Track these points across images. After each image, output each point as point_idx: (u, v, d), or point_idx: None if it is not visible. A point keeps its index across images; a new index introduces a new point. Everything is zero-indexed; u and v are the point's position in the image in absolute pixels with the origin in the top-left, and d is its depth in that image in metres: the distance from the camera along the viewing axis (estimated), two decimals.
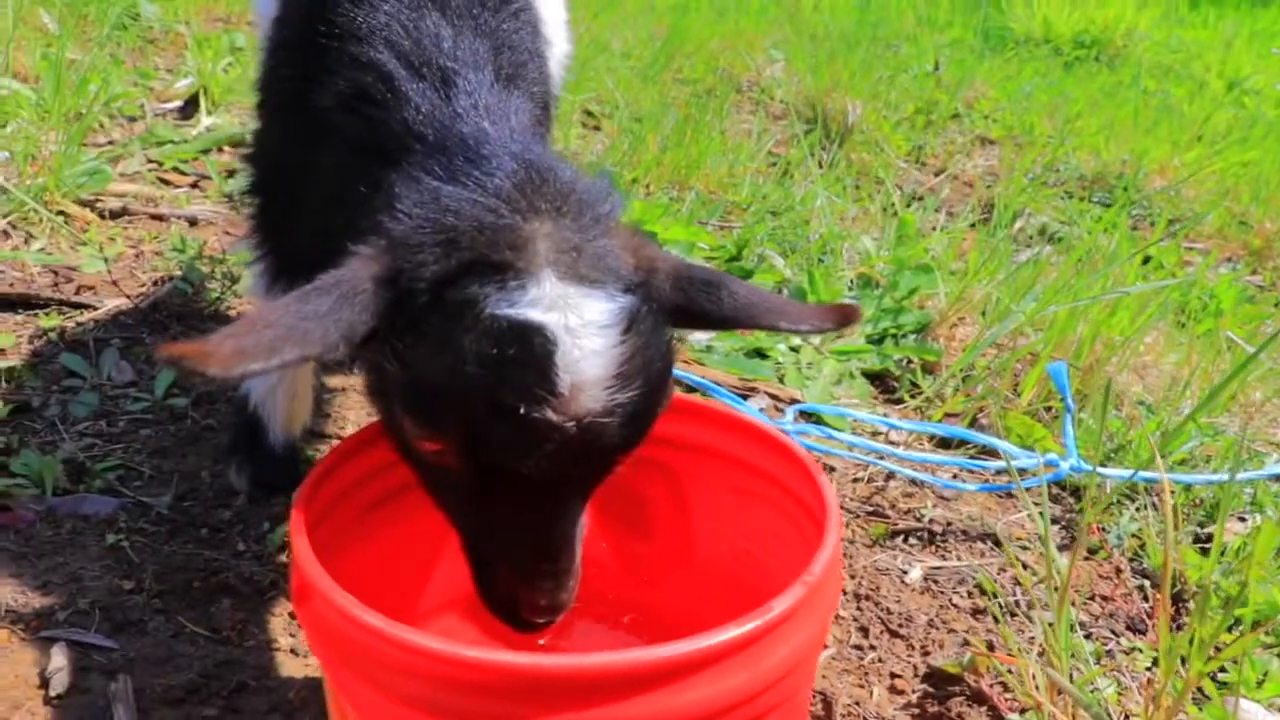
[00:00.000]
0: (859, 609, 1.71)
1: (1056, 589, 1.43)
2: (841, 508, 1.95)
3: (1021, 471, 2.00)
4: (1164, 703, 1.26)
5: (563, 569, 1.09)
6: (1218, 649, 1.51)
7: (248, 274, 1.86)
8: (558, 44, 1.75)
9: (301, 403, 1.85)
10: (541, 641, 1.15)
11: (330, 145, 1.34)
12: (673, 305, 1.14)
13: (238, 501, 1.84)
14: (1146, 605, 1.86)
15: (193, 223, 2.88)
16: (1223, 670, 1.67)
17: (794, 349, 2.41)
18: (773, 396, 2.25)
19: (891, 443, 2.14)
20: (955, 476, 2.10)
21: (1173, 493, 2.15)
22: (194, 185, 3.15)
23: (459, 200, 1.08)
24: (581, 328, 1.01)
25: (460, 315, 1.01)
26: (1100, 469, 1.96)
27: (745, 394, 2.24)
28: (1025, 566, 1.89)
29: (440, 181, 1.11)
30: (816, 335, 1.43)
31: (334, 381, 2.20)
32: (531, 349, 0.98)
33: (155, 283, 2.52)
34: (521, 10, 1.44)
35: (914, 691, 1.58)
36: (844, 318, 1.20)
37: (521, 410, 0.97)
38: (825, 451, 2.05)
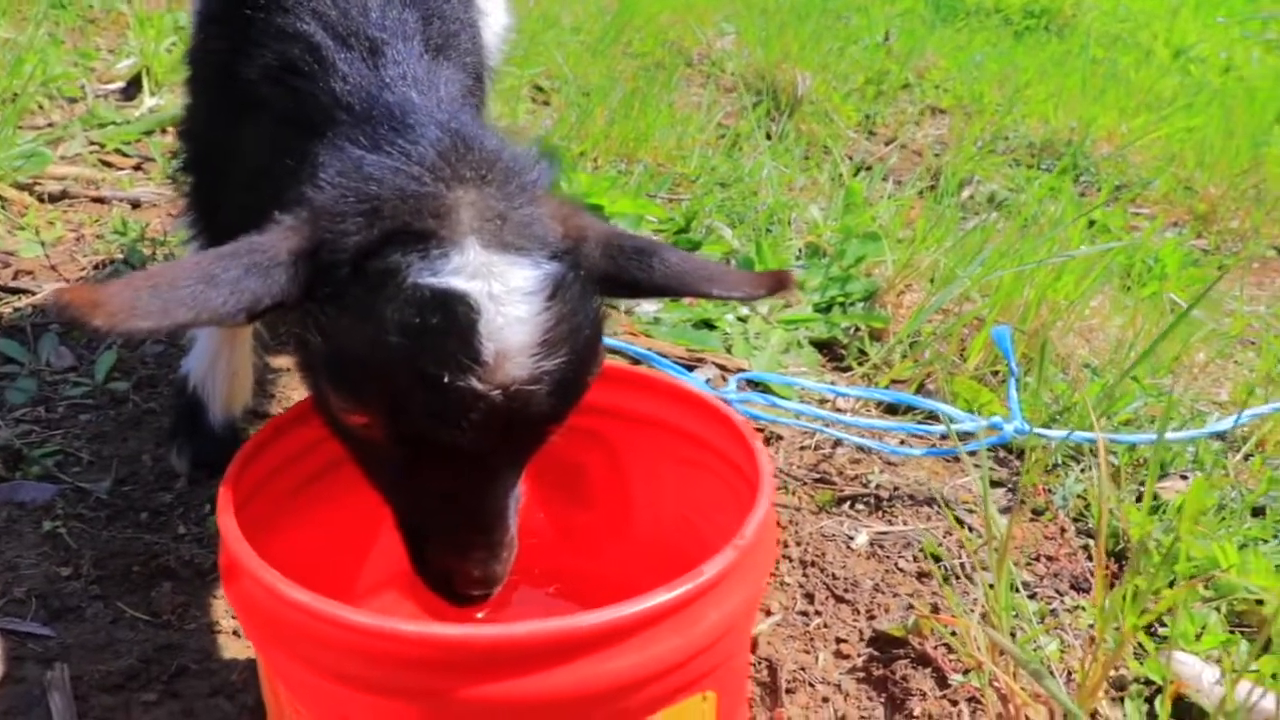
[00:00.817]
0: (805, 575, 1.72)
1: (997, 550, 1.44)
2: (788, 475, 1.96)
3: (968, 435, 2.02)
4: (1100, 657, 1.27)
5: (496, 541, 1.08)
6: (1152, 603, 1.52)
7: (185, 253, 1.83)
8: (494, 15, 1.73)
9: (242, 382, 1.83)
10: (480, 615, 1.14)
11: (258, 119, 1.32)
12: (603, 273, 1.13)
13: (179, 484, 1.82)
14: (1090, 564, 1.88)
15: (135, 205, 2.84)
16: (1163, 625, 1.70)
17: (741, 319, 2.41)
18: (720, 367, 2.25)
19: (839, 410, 2.14)
20: (902, 443, 2.11)
21: (1114, 452, 2.17)
22: (137, 167, 3.10)
23: (382, 169, 1.06)
24: (505, 295, 0.99)
25: (382, 285, 1.00)
26: (1040, 430, 1.97)
27: (692, 365, 2.23)
28: (971, 530, 1.90)
29: (364, 151, 1.10)
30: (751, 302, 1.43)
31: (278, 361, 2.18)
32: (454, 317, 0.97)
33: (96, 266, 2.48)
34: None
35: (859, 655, 1.59)
36: (778, 283, 1.19)
37: (445, 379, 0.96)
38: (770, 420, 2.05)
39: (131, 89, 3.58)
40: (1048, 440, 2.02)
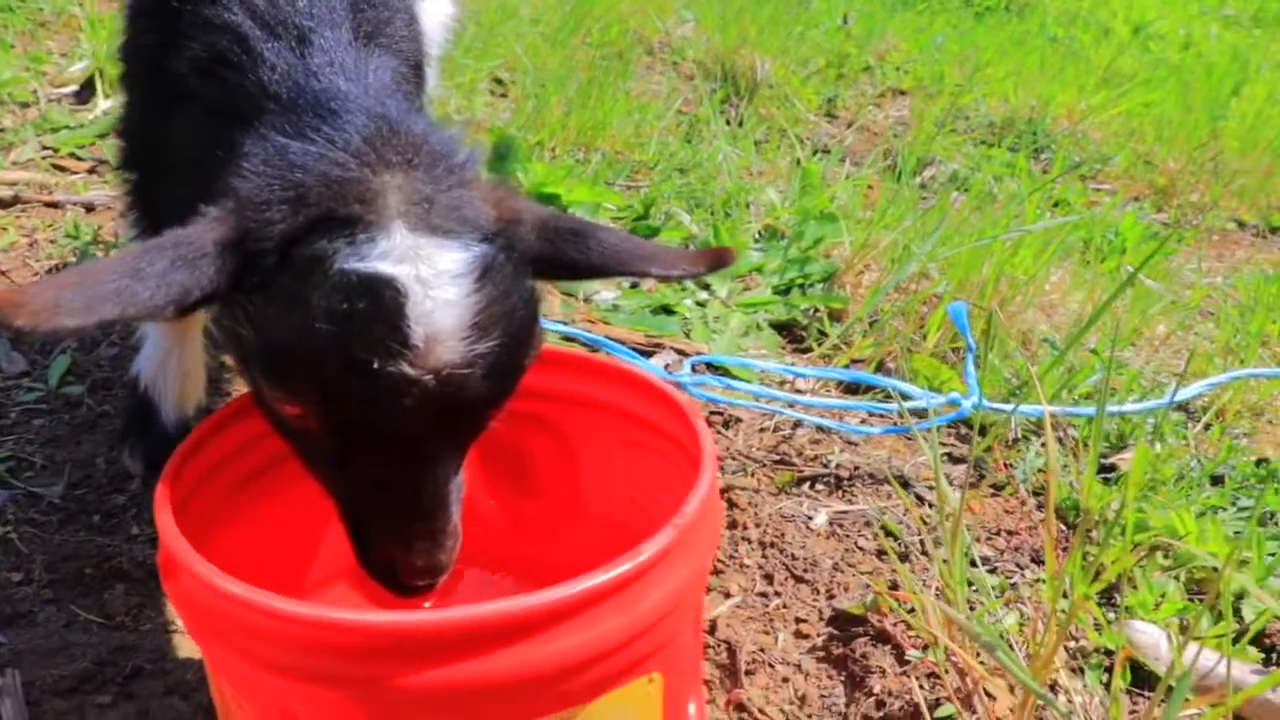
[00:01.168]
0: (764, 557, 1.72)
1: (949, 525, 1.44)
2: (747, 457, 1.96)
3: (924, 413, 2.02)
4: (1052, 626, 1.28)
5: (438, 529, 1.07)
6: (1099, 572, 1.53)
7: None
8: (436, 2, 1.72)
9: (193, 381, 1.81)
10: (427, 604, 1.13)
11: (189, 111, 1.30)
12: (539, 255, 1.12)
13: (133, 486, 1.81)
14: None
15: (89, 209, 2.81)
16: (1119, 594, 1.71)
17: (700, 304, 2.41)
18: (679, 351, 2.25)
19: (798, 391, 2.14)
20: (863, 421, 2.11)
21: (1074, 425, 2.18)
22: (91, 171, 3.07)
23: (307, 156, 1.05)
24: (434, 278, 0.98)
25: (309, 272, 0.99)
26: (992, 404, 1.98)
27: (651, 350, 2.23)
28: (931, 506, 1.90)
29: (289, 139, 1.09)
30: (691, 278, 1.42)
31: (231, 359, 2.16)
32: (382, 302, 0.96)
33: (49, 270, 2.46)
34: None
35: (819, 635, 1.59)
36: (717, 260, 1.19)
37: (375, 365, 0.95)
38: (725, 402, 2.05)
39: (85, 92, 3.54)
40: (1002, 414, 2.03)
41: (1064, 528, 1.91)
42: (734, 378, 2.08)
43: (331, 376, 0.98)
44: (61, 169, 3.02)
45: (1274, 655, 1.69)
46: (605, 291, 2.45)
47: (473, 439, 1.10)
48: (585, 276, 1.17)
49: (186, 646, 1.50)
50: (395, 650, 0.86)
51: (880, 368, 2.28)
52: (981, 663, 1.42)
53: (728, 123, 3.70)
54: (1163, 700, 1.17)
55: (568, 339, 2.10)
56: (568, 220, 1.17)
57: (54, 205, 2.80)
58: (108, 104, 3.43)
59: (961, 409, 1.98)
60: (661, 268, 1.17)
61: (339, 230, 1.00)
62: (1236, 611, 1.72)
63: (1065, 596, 1.31)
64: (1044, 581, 1.75)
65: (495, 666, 0.86)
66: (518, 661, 0.87)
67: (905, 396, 2.04)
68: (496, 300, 1.02)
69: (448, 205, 1.06)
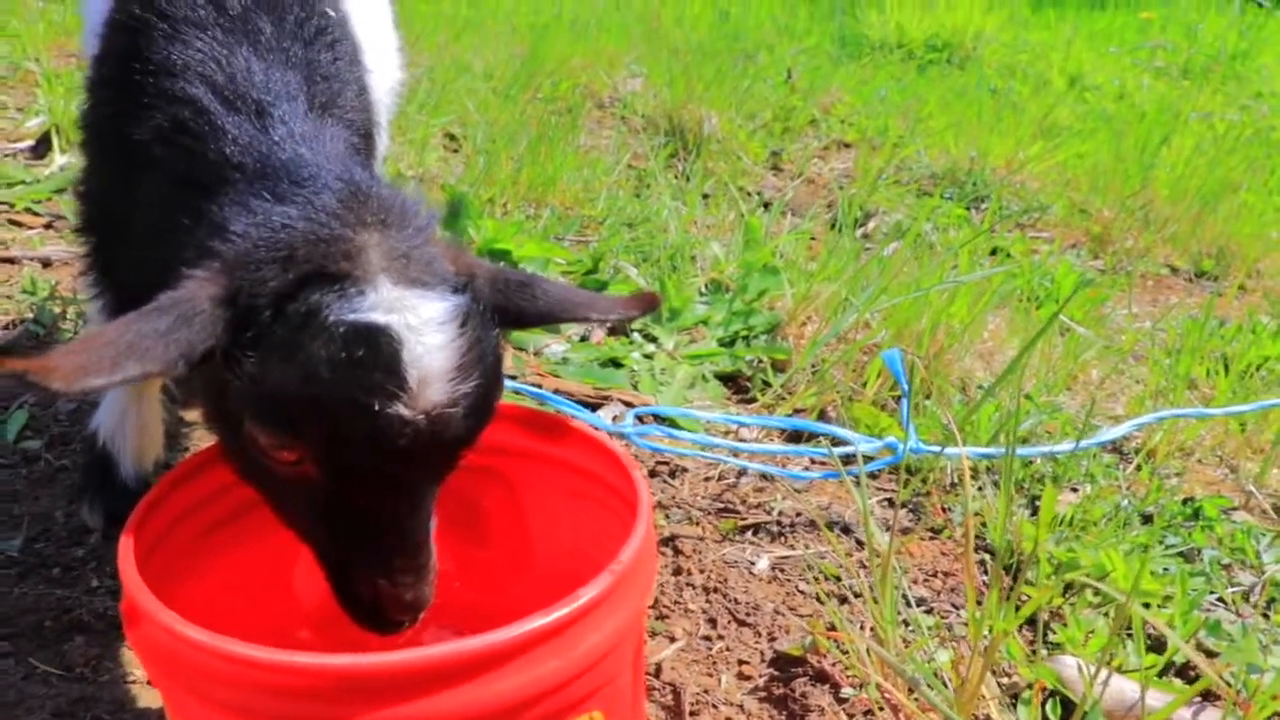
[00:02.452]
0: (708, 601, 1.78)
1: (880, 567, 1.51)
2: (692, 506, 2.02)
3: (868, 458, 2.09)
4: (975, 659, 1.35)
5: (422, 564, 1.15)
6: (1018, 609, 1.60)
7: (88, 310, 1.86)
8: (384, 71, 1.79)
9: (151, 436, 1.85)
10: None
11: (151, 179, 1.37)
12: (494, 306, 1.21)
13: (92, 539, 1.84)
14: (985, 578, 1.96)
15: (46, 264, 2.84)
16: (1052, 631, 1.78)
17: (647, 356, 2.48)
18: (626, 403, 2.31)
19: (741, 440, 2.21)
20: (807, 468, 2.18)
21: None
22: (48, 226, 3.10)
23: (291, 218, 1.14)
24: (421, 326, 1.07)
25: (306, 325, 1.06)
26: (924, 448, 2.05)
27: (599, 402, 2.29)
28: (875, 552, 1.97)
29: (269, 203, 1.17)
30: (625, 322, 1.53)
31: (192, 415, 2.20)
32: (379, 349, 1.05)
33: (5, 326, 2.49)
34: (337, 42, 1.48)
35: (761, 676, 1.65)
36: (647, 304, 1.32)
37: (376, 407, 1.03)
38: (670, 452, 2.11)
39: (41, 147, 3.58)
40: (934, 458, 2.10)
41: (994, 562, 1.99)
42: (679, 428, 2.14)
43: (332, 419, 1.05)
44: (18, 224, 3.05)
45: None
46: (554, 345, 2.51)
47: (447, 476, 1.18)
48: (533, 324, 1.26)
49: (146, 696, 1.53)
50: (351, 691, 0.91)
51: (822, 416, 2.36)
52: (914, 699, 1.49)
53: (675, 177, 3.79)
54: None
55: (515, 393, 2.16)
56: (514, 273, 1.26)
57: (10, 261, 2.84)
58: (64, 159, 3.47)
59: (898, 453, 2.06)
60: (599, 313, 1.29)
61: (329, 285, 1.09)
62: (1163, 646, 1.79)
63: (991, 632, 1.38)
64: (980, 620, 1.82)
65: (442, 705, 0.92)
66: (464, 701, 0.92)
67: (843, 442, 2.11)
68: (474, 345, 1.11)
69: (422, 260, 1.14)
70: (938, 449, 1.97)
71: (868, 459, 2.06)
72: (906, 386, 2.06)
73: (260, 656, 0.92)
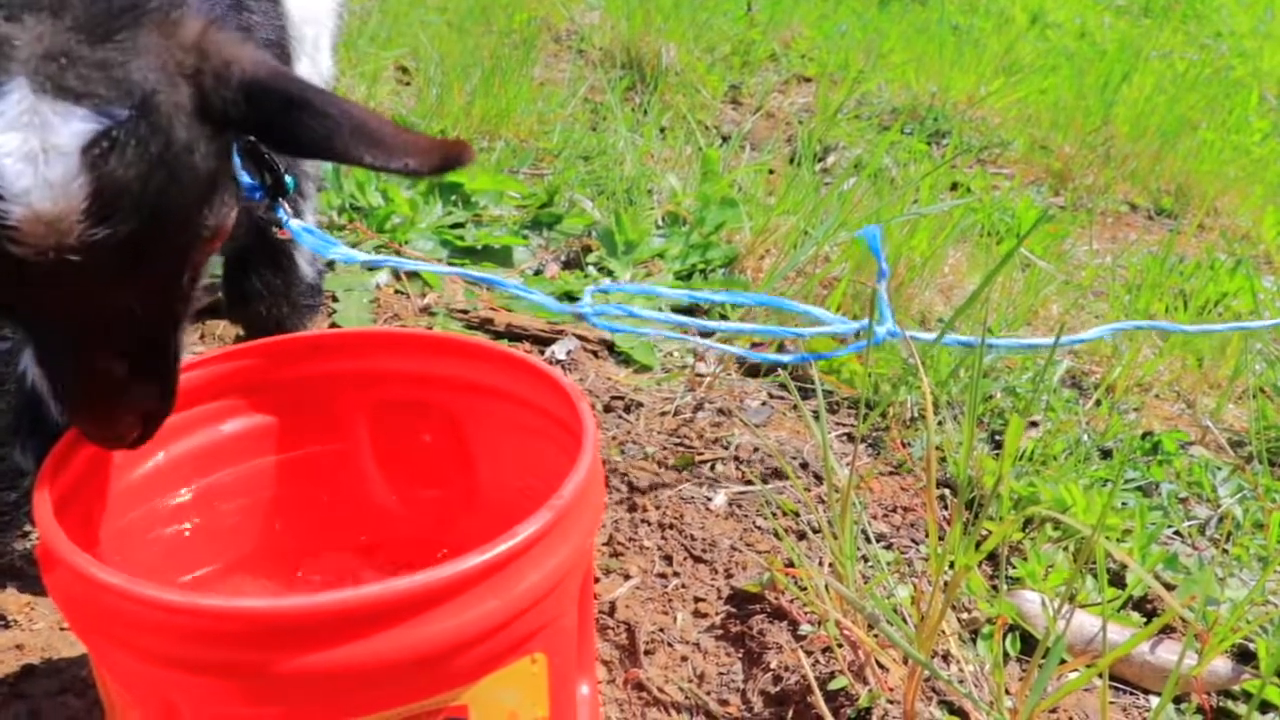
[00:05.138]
0: (663, 538, 1.73)
1: (839, 502, 1.47)
2: (648, 441, 1.98)
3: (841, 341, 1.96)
4: (936, 595, 1.31)
5: (103, 409, 1.04)
6: (978, 545, 1.57)
7: None
8: None
9: None
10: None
11: None
12: (243, 120, 1.04)
13: (25, 482, 1.77)
14: (945, 513, 1.94)
15: None
16: (1011, 566, 1.76)
17: (603, 291, 2.41)
18: (581, 338, 2.26)
19: (699, 376, 2.16)
20: (764, 404, 2.14)
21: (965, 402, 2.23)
22: None
23: None
24: (44, 152, 0.89)
25: None
26: (909, 333, 1.93)
27: (553, 337, 2.24)
28: (835, 487, 1.94)
29: None
30: (416, 177, 1.25)
31: None
32: None
33: None
34: None
35: (717, 614, 1.61)
36: (450, 154, 1.07)
37: None
38: (631, 331, 1.98)
39: None
40: (895, 390, 2.06)
41: (954, 497, 1.96)
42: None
43: None
44: None
45: (1155, 620, 1.75)
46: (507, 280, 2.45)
47: (132, 319, 1.02)
48: (306, 155, 1.09)
49: (81, 644, 1.48)
50: (273, 636, 0.86)
51: (780, 349, 2.32)
52: (873, 635, 1.45)
53: (632, 110, 3.71)
54: (1041, 661, 1.22)
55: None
56: (283, 84, 1.06)
57: None
58: None
59: (877, 335, 1.92)
60: (381, 157, 1.05)
61: None
62: (1123, 580, 1.78)
63: (952, 568, 1.35)
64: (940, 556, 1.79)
65: (374, 649, 0.86)
66: (396, 644, 0.87)
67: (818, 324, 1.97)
68: (127, 180, 0.93)
69: (95, 62, 0.94)
70: (915, 334, 1.86)
71: (842, 342, 1.97)
72: (886, 269, 1.94)
73: (180, 601, 0.86)
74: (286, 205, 1.47)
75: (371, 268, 2.42)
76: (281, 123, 1.04)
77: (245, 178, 1.45)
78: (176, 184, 0.97)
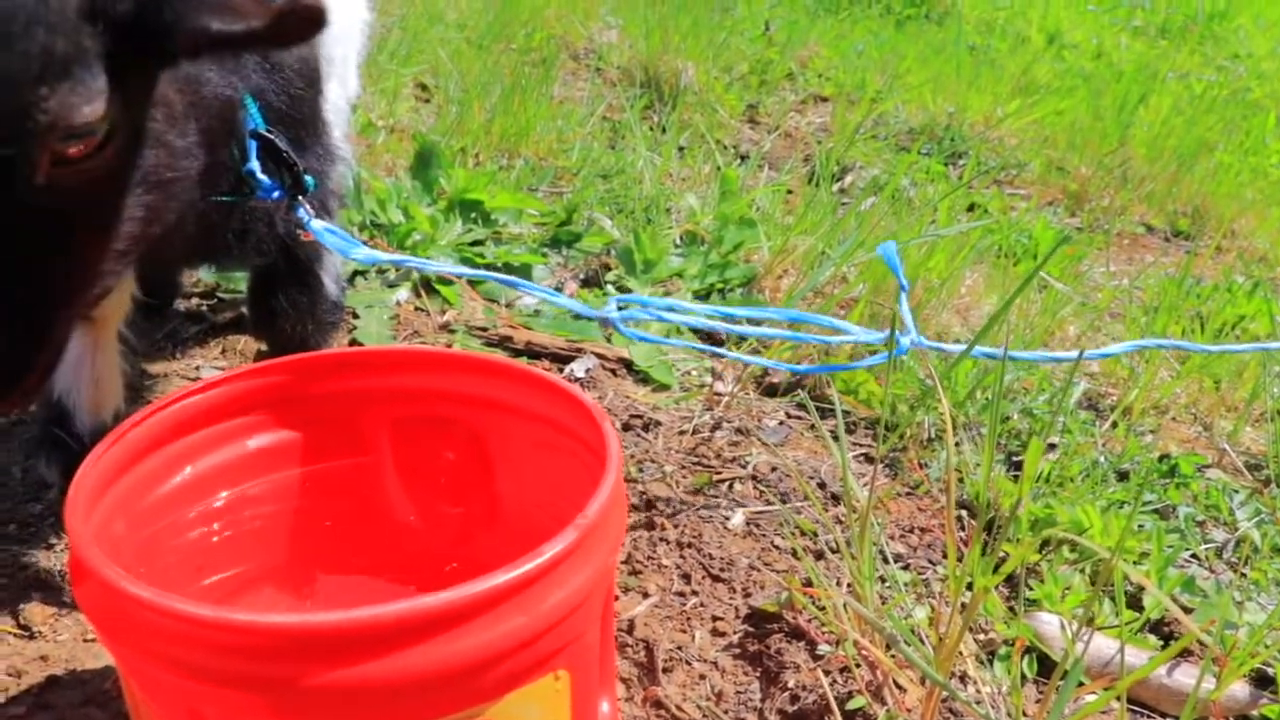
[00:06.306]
0: (681, 557, 1.74)
1: (857, 522, 1.48)
2: (666, 460, 1.99)
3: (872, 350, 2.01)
4: (954, 616, 1.32)
5: None
6: (997, 566, 1.58)
7: None
8: (351, 8, 1.72)
9: (107, 387, 1.79)
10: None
11: None
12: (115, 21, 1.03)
13: (50, 494, 1.79)
14: (963, 534, 1.94)
15: None
16: (1028, 588, 1.76)
17: (622, 308, 2.42)
18: (600, 356, 2.27)
19: (717, 395, 2.17)
20: (781, 423, 2.15)
21: (985, 424, 2.24)
22: None
23: None
24: None
25: None
26: (929, 344, 1.93)
27: (572, 355, 2.25)
28: (853, 507, 1.94)
29: None
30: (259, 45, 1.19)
31: (154, 368, 2.15)
32: None
33: None
34: None
35: (735, 632, 1.62)
36: (286, 15, 1.06)
37: None
38: (659, 341, 2.00)
39: None
40: (912, 412, 2.07)
41: (971, 518, 1.96)
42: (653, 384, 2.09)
43: None
44: None
45: (1172, 642, 1.75)
46: (526, 298, 2.47)
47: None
48: (161, 41, 1.07)
49: (105, 655, 1.49)
50: (302, 651, 0.87)
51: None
52: (891, 656, 1.46)
53: (651, 129, 3.73)
54: (1059, 683, 1.22)
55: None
56: None
57: None
58: None
59: (900, 346, 1.92)
60: (226, 19, 1.06)
61: None
62: (1139, 603, 1.78)
63: (970, 589, 1.35)
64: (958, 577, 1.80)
65: (400, 665, 0.87)
66: (422, 660, 0.88)
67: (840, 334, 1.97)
68: None
69: None
70: (939, 345, 1.87)
71: (872, 351, 1.96)
72: (905, 284, 1.95)
73: (210, 615, 0.88)
74: (307, 205, 1.47)
75: (392, 285, 2.44)
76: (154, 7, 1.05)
77: (265, 178, 1.46)
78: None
